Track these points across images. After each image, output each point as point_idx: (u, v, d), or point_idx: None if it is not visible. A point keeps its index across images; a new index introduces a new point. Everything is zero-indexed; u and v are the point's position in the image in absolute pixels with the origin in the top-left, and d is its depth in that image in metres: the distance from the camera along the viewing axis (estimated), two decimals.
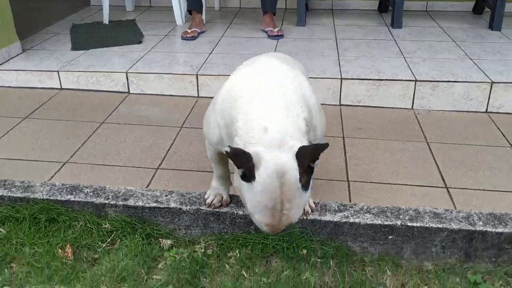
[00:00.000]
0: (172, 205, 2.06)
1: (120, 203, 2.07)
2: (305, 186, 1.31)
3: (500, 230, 1.91)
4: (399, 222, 1.93)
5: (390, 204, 2.08)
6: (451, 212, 2.00)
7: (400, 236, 1.95)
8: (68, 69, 3.37)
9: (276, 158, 1.27)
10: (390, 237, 1.96)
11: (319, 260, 1.97)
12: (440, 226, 1.92)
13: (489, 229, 1.91)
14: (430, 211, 2.00)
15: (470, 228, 1.91)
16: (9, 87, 3.44)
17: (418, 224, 1.93)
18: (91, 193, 2.13)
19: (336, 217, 1.96)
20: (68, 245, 2.00)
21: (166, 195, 2.12)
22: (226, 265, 1.96)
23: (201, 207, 2.04)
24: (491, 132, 2.86)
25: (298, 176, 1.28)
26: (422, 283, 1.89)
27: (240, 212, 2.02)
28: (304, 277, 1.90)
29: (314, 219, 1.98)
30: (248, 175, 1.28)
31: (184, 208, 2.04)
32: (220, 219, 2.05)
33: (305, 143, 1.37)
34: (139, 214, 2.08)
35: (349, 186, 2.31)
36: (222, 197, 2.04)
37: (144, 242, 2.04)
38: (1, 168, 2.42)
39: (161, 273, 1.92)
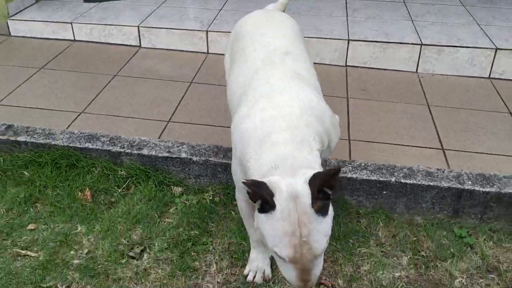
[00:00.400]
0: (183, 155, 2.23)
1: (135, 152, 2.24)
2: (320, 211, 1.28)
3: (487, 189, 2.08)
4: (393, 179, 2.10)
5: (388, 163, 2.24)
6: (443, 172, 2.16)
7: (393, 191, 2.12)
8: (81, 21, 3.47)
9: (288, 184, 1.28)
10: (384, 192, 2.13)
11: None
12: (432, 184, 2.09)
13: (477, 188, 2.08)
14: (423, 169, 2.17)
15: (459, 186, 2.08)
16: (23, 37, 3.55)
17: (411, 181, 2.10)
18: (108, 142, 2.30)
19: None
20: (87, 189, 2.19)
21: (178, 146, 2.29)
22: (232, 212, 2.15)
23: (209, 158, 2.22)
24: (491, 98, 2.98)
25: (310, 201, 1.26)
26: (412, 235, 2.08)
27: None
28: None
29: None
30: (268, 205, 1.27)
31: (194, 158, 2.21)
32: (227, 170, 2.22)
33: (319, 170, 1.36)
34: (153, 162, 2.25)
35: (350, 145, 2.46)
36: (264, 272, 1.86)
37: (157, 188, 2.22)
38: (20, 116, 2.59)
39: (172, 217, 2.12)
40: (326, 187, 1.30)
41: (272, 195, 1.27)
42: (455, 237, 2.08)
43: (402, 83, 3.12)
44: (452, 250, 2.00)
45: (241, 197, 1.72)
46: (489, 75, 3.20)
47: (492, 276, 1.91)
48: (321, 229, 1.28)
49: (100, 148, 2.26)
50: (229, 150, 2.28)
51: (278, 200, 1.26)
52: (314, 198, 1.27)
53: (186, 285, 1.82)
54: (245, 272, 1.87)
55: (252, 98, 1.54)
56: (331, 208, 1.34)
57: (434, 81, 3.15)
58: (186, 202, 2.19)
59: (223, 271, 1.89)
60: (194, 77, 3.09)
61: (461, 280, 1.88)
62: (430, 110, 2.82)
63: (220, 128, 2.54)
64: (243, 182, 1.26)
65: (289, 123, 1.44)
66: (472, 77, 3.21)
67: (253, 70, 1.64)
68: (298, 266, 1.29)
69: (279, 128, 1.42)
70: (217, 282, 1.84)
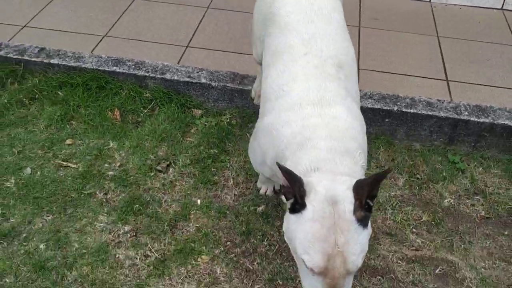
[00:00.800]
0: (203, 80, 2.42)
1: (159, 76, 2.44)
2: (362, 221, 1.18)
3: (482, 120, 2.28)
4: (396, 108, 2.30)
5: (394, 92, 2.42)
6: (442, 102, 2.35)
7: (395, 119, 2.32)
8: None
9: (328, 188, 1.20)
10: (387, 120, 2.33)
11: None
12: (431, 113, 2.29)
13: (472, 119, 2.27)
14: (424, 100, 2.35)
15: (456, 116, 2.28)
16: None
17: (412, 111, 2.29)
18: (133, 66, 2.48)
19: None
20: (116, 109, 2.42)
21: (197, 72, 2.47)
22: (247, 134, 2.38)
23: (227, 84, 2.41)
24: (501, 30, 3.07)
25: (352, 208, 1.17)
26: (409, 159, 2.32)
27: None
28: None
29: None
30: (299, 203, 1.20)
31: (213, 84, 2.41)
32: (244, 96, 2.42)
33: None
34: (175, 86, 2.45)
35: (358, 73, 2.62)
36: (274, 187, 2.09)
37: (179, 110, 2.44)
38: (48, 38, 2.75)
39: (193, 137, 2.36)
40: (370, 198, 1.22)
41: (304, 193, 1.19)
42: (448, 162, 2.31)
43: (414, 12, 3.20)
44: (444, 174, 2.24)
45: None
46: (502, 6, 3.25)
47: (478, 197, 2.16)
48: (359, 241, 1.17)
49: (126, 72, 2.45)
50: (245, 77, 2.47)
51: (311, 201, 1.18)
52: (359, 206, 1.18)
53: (207, 195, 2.09)
54: (258, 185, 2.13)
55: (297, 101, 1.46)
56: (369, 225, 1.23)
57: (446, 11, 3.22)
58: (206, 123, 2.42)
59: (239, 185, 2.16)
60: (210, 3, 3.18)
61: (450, 200, 2.14)
62: (439, 41, 2.93)
63: (236, 55, 2.70)
64: (277, 164, 1.20)
65: (332, 133, 1.37)
66: (485, 8, 3.27)
67: (304, 73, 1.53)
68: (328, 281, 1.17)
69: (320, 135, 1.36)
70: (234, 194, 2.12)
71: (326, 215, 1.16)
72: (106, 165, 2.20)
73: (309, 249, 1.16)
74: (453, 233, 2.00)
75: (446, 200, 2.14)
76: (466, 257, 1.91)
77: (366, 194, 1.19)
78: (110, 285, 1.75)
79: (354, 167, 1.32)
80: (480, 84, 2.61)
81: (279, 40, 1.66)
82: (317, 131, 1.37)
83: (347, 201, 1.18)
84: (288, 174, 1.20)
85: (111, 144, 2.29)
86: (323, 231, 1.15)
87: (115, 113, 2.41)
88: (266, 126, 1.52)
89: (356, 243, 1.16)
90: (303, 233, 1.18)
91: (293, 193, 1.20)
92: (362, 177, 1.32)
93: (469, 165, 2.31)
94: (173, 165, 2.22)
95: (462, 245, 1.95)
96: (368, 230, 1.21)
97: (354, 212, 1.17)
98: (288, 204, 1.26)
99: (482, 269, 1.87)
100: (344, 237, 1.15)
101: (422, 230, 2.02)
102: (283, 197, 1.31)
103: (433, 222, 2.04)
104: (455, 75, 2.67)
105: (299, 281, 1.24)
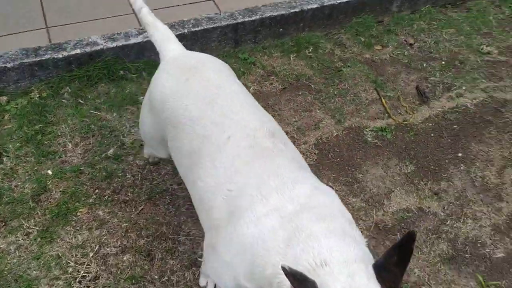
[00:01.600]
0: None
1: None
2: None
3: (253, 18, 2.88)
4: (186, 30, 2.74)
5: (175, 19, 2.84)
6: (220, 14, 2.88)
7: (189, 40, 2.76)
8: None
9: (348, 285, 1.01)
10: (182, 43, 2.75)
11: (134, 75, 2.71)
12: (215, 25, 2.79)
13: (246, 19, 2.86)
14: (206, 16, 2.84)
15: (234, 22, 2.83)
16: None
17: (199, 28, 2.76)
18: None
19: (139, 39, 2.66)
20: None
21: None
22: (63, 100, 2.55)
23: (23, 61, 2.50)
24: None
25: None
26: None
27: (60, 56, 2.55)
28: (127, 90, 2.64)
29: (122, 45, 2.64)
30: None
31: (8, 65, 2.47)
32: (44, 67, 2.55)
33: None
34: None
35: None
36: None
37: None
38: None
39: (10, 123, 2.43)
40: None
41: None
42: (241, 60, 2.89)
43: None
44: (242, 70, 2.81)
45: None
46: None
47: (272, 77, 2.80)
48: None
49: None
50: (37, 49, 2.58)
51: None
52: None
53: (54, 165, 2.26)
54: (201, 283, 1.83)
55: (256, 193, 1.27)
56: None
57: None
58: (17, 106, 2.49)
59: (78, 144, 2.36)
60: None
61: (254, 87, 2.73)
62: None
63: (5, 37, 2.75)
64: (283, 268, 0.98)
65: (319, 215, 1.20)
66: None
67: (242, 161, 1.36)
68: None
69: (309, 220, 1.18)
70: (79, 153, 2.33)
71: None
72: None
73: None
74: (266, 108, 2.60)
75: (251, 88, 2.72)
76: (282, 119, 2.54)
77: (399, 278, 1.00)
78: (8, 271, 1.87)
79: (360, 249, 1.13)
80: None
81: (190, 137, 1.48)
82: (304, 216, 1.19)
83: None
84: (298, 277, 0.98)
85: None
86: None
87: None
88: (226, 240, 1.29)
89: None
90: None
91: None
92: (370, 256, 1.14)
93: (256, 57, 2.93)
94: (4, 153, 2.29)
95: (276, 113, 2.58)
96: None
97: None
98: None
99: (295, 122, 2.53)
100: None
101: None
102: None
103: None
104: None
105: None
